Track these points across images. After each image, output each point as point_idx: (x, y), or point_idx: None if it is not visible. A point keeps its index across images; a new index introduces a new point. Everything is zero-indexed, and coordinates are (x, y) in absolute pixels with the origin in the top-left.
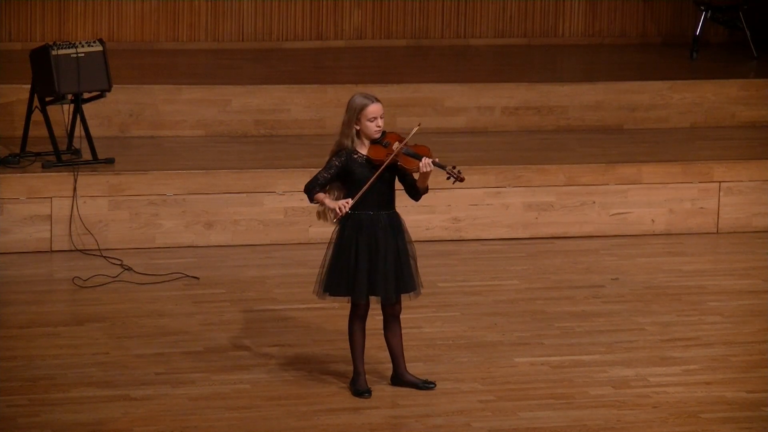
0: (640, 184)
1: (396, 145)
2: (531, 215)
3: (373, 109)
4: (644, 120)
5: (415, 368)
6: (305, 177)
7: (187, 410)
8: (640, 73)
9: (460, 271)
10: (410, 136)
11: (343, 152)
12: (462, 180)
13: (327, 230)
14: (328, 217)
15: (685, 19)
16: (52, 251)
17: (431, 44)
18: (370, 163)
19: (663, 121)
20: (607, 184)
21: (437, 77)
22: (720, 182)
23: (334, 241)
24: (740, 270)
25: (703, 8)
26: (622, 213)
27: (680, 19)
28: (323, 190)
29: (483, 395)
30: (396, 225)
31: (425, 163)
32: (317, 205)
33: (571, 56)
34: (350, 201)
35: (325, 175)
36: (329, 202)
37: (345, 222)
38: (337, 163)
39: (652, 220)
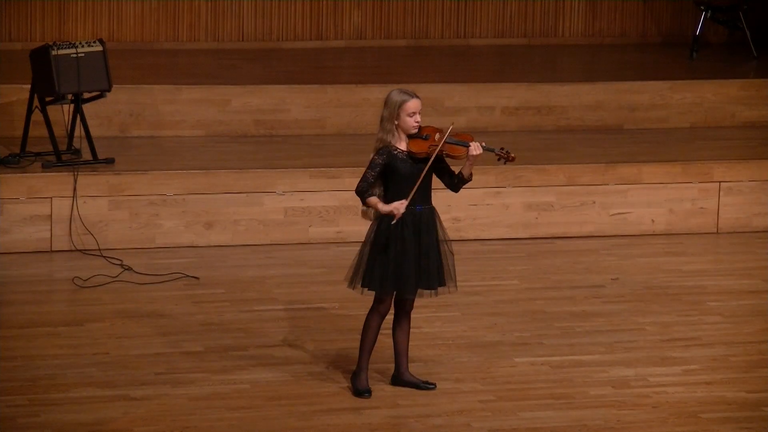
0: (640, 184)
1: (438, 136)
2: (531, 215)
3: (413, 104)
4: (644, 120)
5: (415, 368)
6: (305, 177)
7: (187, 410)
8: (640, 73)
9: (460, 271)
10: (450, 128)
11: (384, 149)
12: (513, 160)
13: (327, 230)
14: (372, 216)
15: (685, 19)
16: (52, 251)
17: (431, 44)
18: (413, 158)
19: (663, 121)
20: (607, 184)
21: (437, 77)
22: (720, 182)
23: (371, 235)
24: (740, 270)
25: (703, 8)
26: (622, 213)
27: (680, 19)
28: (372, 189)
29: (483, 395)
30: (434, 220)
31: (475, 146)
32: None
33: (571, 56)
34: (405, 202)
35: (372, 173)
36: (383, 206)
37: (381, 217)
38: (380, 161)
39: (652, 220)
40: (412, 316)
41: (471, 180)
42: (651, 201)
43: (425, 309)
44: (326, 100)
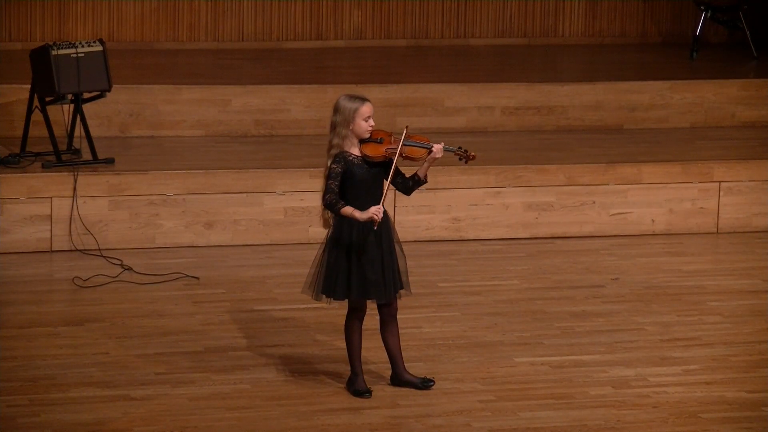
0: (640, 184)
1: (393, 139)
2: (531, 215)
3: (368, 108)
4: (644, 120)
5: (415, 368)
6: (305, 177)
7: (187, 410)
8: (640, 73)
9: (460, 271)
10: (405, 131)
11: (339, 156)
12: (473, 158)
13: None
14: (331, 222)
15: (685, 19)
16: (52, 251)
17: (431, 44)
18: (369, 162)
19: (663, 121)
20: (607, 184)
21: (437, 77)
22: (720, 182)
23: (329, 242)
24: (740, 270)
25: (703, 8)
26: (622, 213)
27: (680, 19)
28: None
29: (483, 395)
30: (387, 223)
31: (438, 149)
32: (322, 210)
33: (571, 56)
34: (381, 207)
35: (335, 183)
36: (360, 214)
37: (340, 223)
38: (339, 168)
39: (652, 220)
40: (412, 316)
41: (426, 182)
42: (651, 201)
43: (425, 309)
44: (326, 100)
